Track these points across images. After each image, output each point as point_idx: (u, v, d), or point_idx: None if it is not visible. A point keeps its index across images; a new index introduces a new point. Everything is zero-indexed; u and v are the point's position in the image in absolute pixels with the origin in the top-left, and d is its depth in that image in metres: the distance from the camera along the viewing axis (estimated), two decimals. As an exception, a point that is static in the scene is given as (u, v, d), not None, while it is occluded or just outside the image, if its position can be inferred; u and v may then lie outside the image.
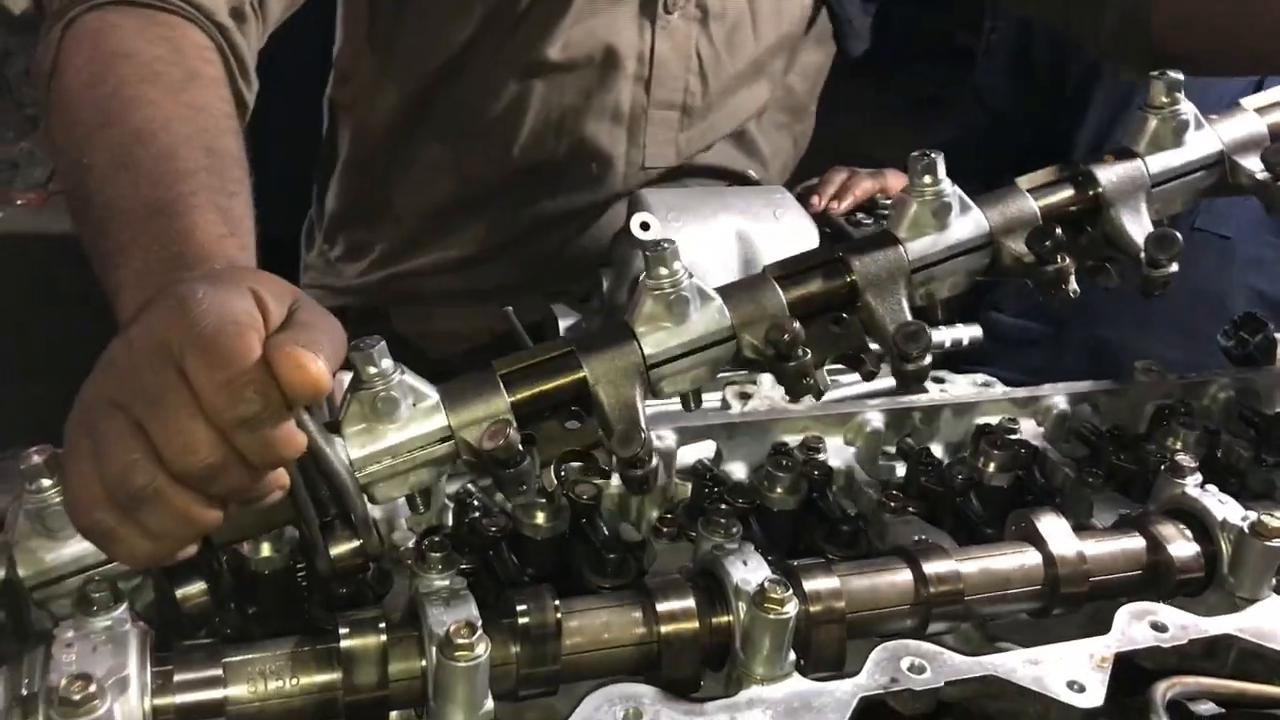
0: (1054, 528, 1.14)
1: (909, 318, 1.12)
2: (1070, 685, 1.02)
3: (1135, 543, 1.17)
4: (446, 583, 0.98)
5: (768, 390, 1.48)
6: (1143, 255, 1.17)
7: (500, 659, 0.95)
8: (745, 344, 1.10)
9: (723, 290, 1.11)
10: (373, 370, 0.97)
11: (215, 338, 0.84)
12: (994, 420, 1.39)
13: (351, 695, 0.92)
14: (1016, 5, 2.30)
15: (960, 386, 1.54)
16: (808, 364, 1.08)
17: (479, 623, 0.92)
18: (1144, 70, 1.36)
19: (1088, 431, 1.40)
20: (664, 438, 1.30)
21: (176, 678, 0.89)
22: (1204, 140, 1.25)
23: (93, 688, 0.82)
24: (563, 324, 1.64)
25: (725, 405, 1.47)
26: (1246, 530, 1.12)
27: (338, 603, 1.04)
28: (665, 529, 1.21)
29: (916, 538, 1.22)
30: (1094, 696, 1.01)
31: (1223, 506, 1.17)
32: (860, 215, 1.78)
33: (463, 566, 1.01)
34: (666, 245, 1.06)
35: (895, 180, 1.96)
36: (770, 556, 1.16)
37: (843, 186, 1.82)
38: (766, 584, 0.98)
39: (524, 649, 0.96)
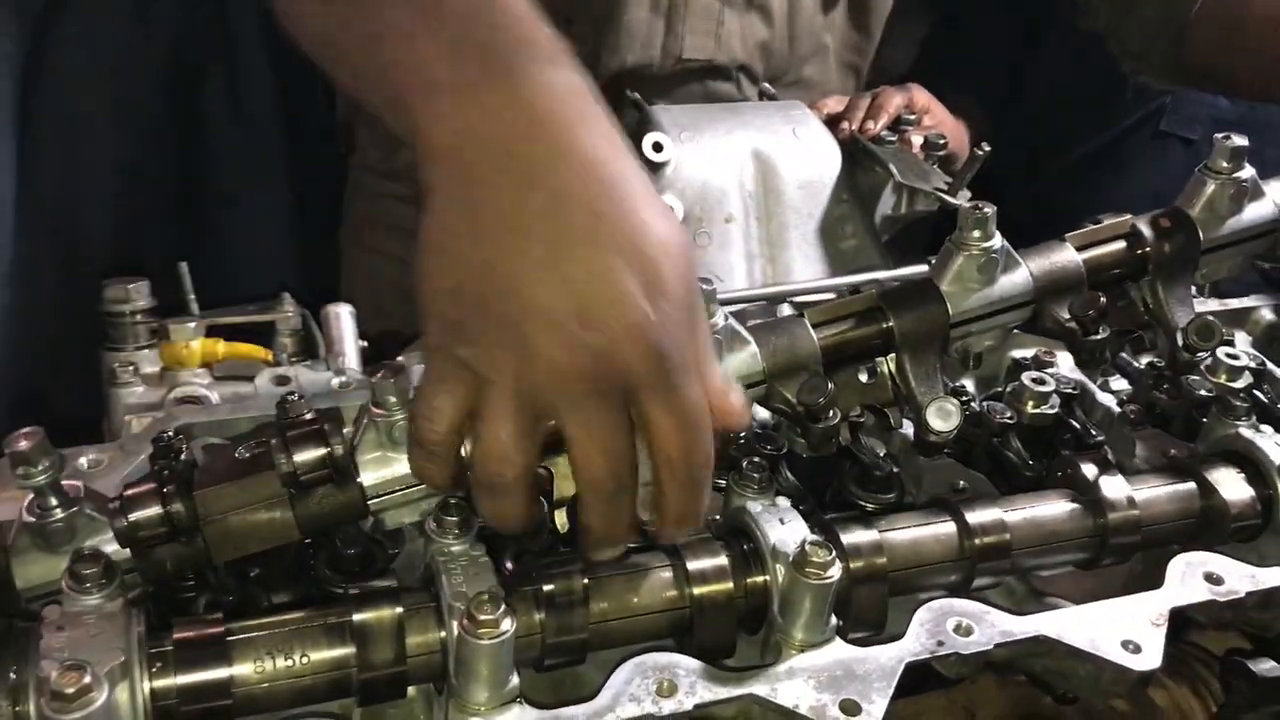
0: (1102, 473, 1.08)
1: (940, 379, 1.10)
2: (1125, 645, 0.96)
3: (1187, 488, 1.10)
4: (465, 548, 0.91)
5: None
6: (1179, 336, 1.17)
7: (525, 628, 0.88)
8: (775, 394, 1.06)
9: (755, 331, 1.06)
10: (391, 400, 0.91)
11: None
12: (1029, 353, 1.32)
13: (366, 672, 0.86)
14: None
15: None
16: (836, 427, 1.06)
17: (502, 595, 0.85)
18: (1169, 79, 1.31)
19: (1124, 364, 1.33)
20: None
21: (177, 657, 0.83)
22: (1261, 208, 1.21)
23: (88, 678, 0.75)
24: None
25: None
26: (1306, 474, 1.06)
27: (346, 564, 0.98)
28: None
29: (958, 485, 1.17)
30: (1151, 658, 0.95)
31: (1279, 448, 1.11)
32: (885, 133, 1.68)
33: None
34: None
35: (920, 95, 1.86)
36: (801, 506, 1.10)
37: (874, 106, 1.73)
38: (808, 545, 0.92)
39: (549, 617, 0.90)
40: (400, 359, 1.49)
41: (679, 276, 0.83)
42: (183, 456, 0.94)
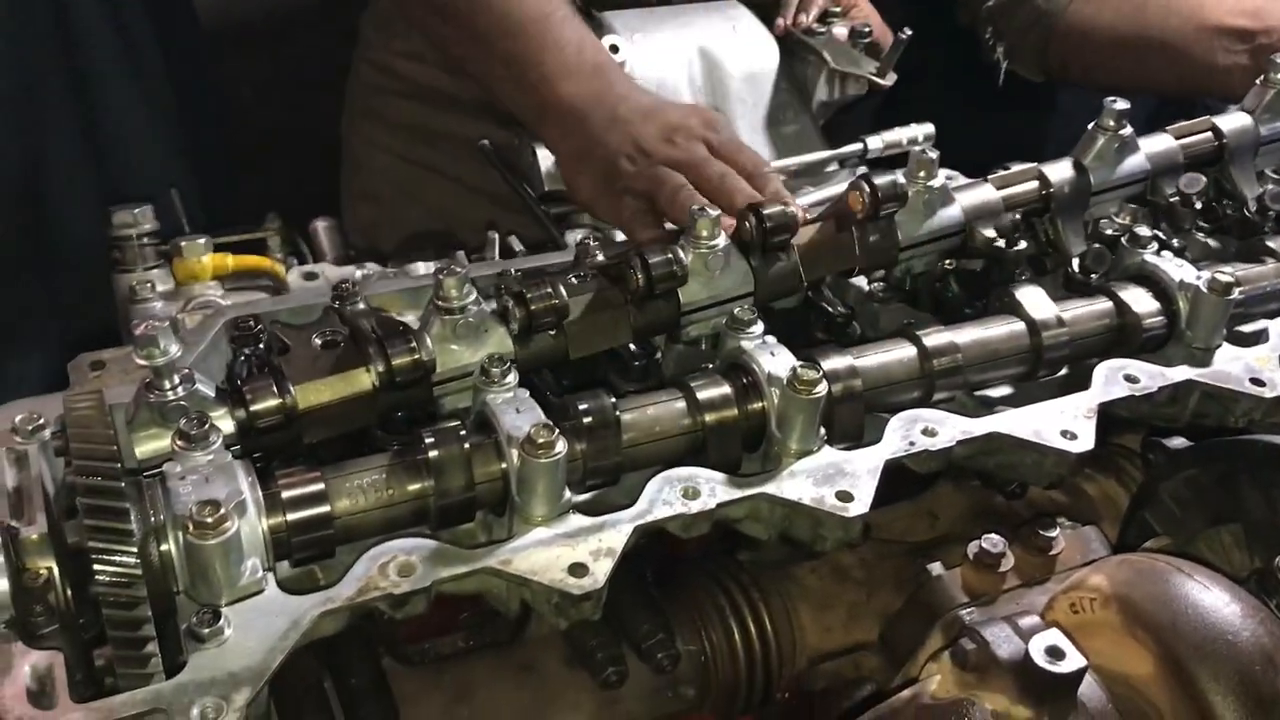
0: (1034, 298, 1.27)
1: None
2: (1064, 434, 1.15)
3: (1104, 306, 1.30)
4: (512, 394, 1.06)
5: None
6: (1075, 261, 1.38)
7: (569, 455, 1.04)
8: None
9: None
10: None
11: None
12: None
13: (443, 499, 1.01)
14: None
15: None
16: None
17: (551, 424, 1.01)
18: (1034, 72, 1.81)
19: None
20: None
21: (285, 495, 0.98)
22: (1137, 160, 1.44)
23: (223, 510, 0.90)
24: (541, 155, 1.69)
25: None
26: (1203, 288, 1.26)
27: (396, 415, 1.12)
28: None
29: (906, 321, 1.35)
30: (1085, 442, 1.14)
31: (1179, 269, 1.30)
32: (816, 25, 1.83)
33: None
34: None
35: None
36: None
37: (805, 0, 1.87)
38: (798, 369, 1.09)
39: (589, 445, 1.06)
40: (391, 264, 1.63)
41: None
42: (260, 343, 1.08)
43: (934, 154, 1.30)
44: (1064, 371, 1.31)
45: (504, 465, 1.02)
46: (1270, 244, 1.42)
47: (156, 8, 2.28)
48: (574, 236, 1.44)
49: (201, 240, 1.54)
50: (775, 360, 1.13)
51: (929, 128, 1.79)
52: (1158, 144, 1.46)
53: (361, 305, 1.16)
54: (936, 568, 1.14)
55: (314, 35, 2.56)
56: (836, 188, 1.73)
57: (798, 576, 1.23)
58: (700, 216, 1.20)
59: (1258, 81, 1.52)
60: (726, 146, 1.45)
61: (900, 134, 1.78)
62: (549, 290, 1.13)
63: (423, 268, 1.49)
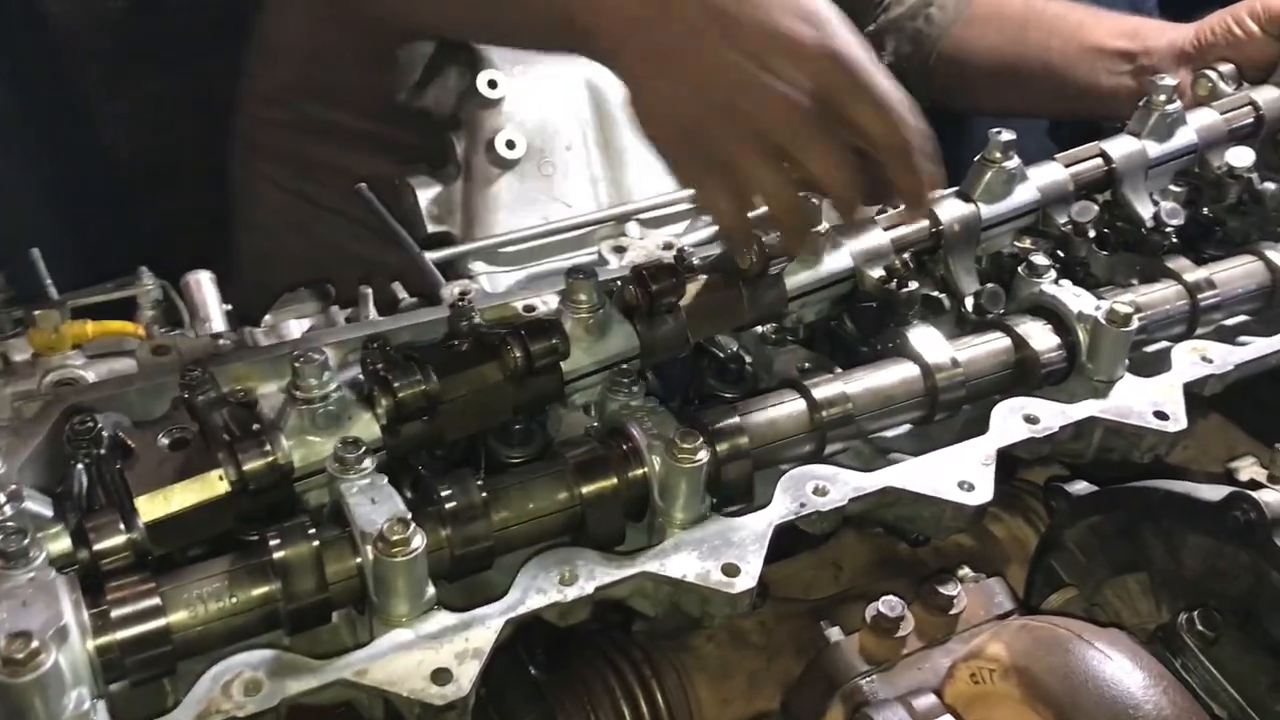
0: (926, 339, 1.22)
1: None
2: (961, 485, 1.10)
3: (1002, 343, 1.25)
4: (368, 481, 0.99)
5: (641, 241, 1.50)
6: (969, 301, 1.33)
7: (433, 545, 0.97)
8: None
9: None
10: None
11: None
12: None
13: (293, 603, 0.94)
14: None
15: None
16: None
17: (409, 516, 0.94)
18: (920, 93, 1.65)
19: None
20: (548, 302, 1.31)
21: (114, 614, 0.89)
22: (1027, 191, 1.40)
23: (35, 643, 0.81)
24: (422, 195, 1.61)
25: (601, 260, 1.49)
26: (1102, 319, 1.21)
27: (256, 514, 1.04)
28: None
29: (803, 366, 1.29)
30: (983, 493, 1.09)
31: (1077, 299, 1.26)
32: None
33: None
34: None
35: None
36: (671, 404, 1.21)
37: None
38: (677, 435, 1.02)
39: (455, 532, 0.99)
40: (268, 318, 1.54)
41: (834, 14, 1.10)
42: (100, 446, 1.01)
43: (816, 200, 1.24)
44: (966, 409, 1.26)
45: (358, 561, 0.95)
46: (1170, 264, 1.38)
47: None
48: (450, 291, 1.36)
49: (56, 308, 1.44)
50: (655, 423, 1.07)
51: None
52: (1047, 174, 1.41)
53: (213, 394, 1.08)
54: (835, 633, 1.08)
55: (199, 61, 2.43)
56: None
57: (694, 646, 1.17)
58: (576, 281, 1.14)
59: (1140, 104, 1.49)
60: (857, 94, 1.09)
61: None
62: (418, 377, 1.05)
63: (295, 328, 1.41)
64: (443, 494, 0.99)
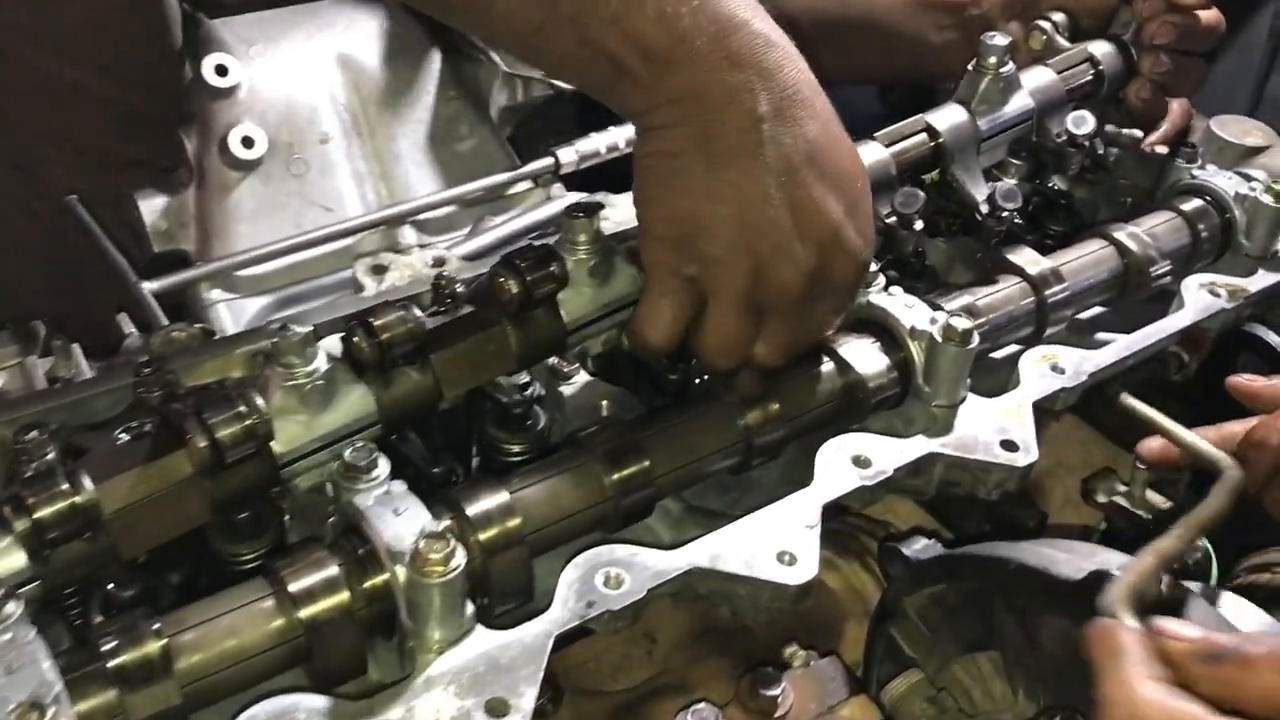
0: (743, 378, 1.02)
1: None
2: (780, 558, 0.91)
3: (826, 369, 1.06)
4: (10, 636, 0.74)
5: (407, 259, 1.26)
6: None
7: (104, 713, 0.74)
8: None
9: None
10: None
11: None
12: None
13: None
14: None
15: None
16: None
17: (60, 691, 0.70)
18: None
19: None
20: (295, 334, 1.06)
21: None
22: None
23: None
24: (146, 209, 1.34)
25: (356, 285, 1.24)
26: (938, 336, 1.04)
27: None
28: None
29: (599, 405, 1.09)
30: (807, 568, 0.91)
31: (910, 311, 1.08)
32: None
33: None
34: None
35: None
36: (437, 468, 1.00)
37: None
38: (422, 542, 0.81)
39: (130, 693, 0.76)
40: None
41: (867, 197, 1.02)
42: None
43: (599, 216, 1.03)
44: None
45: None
46: (1012, 256, 1.21)
47: None
48: (150, 341, 1.09)
49: None
50: (399, 522, 0.85)
51: (630, 130, 1.52)
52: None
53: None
54: (642, 751, 0.89)
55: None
56: (533, 214, 1.45)
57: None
58: (289, 339, 0.90)
59: (970, 67, 1.31)
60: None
61: (598, 141, 1.49)
62: (65, 488, 0.80)
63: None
64: (108, 645, 0.76)
